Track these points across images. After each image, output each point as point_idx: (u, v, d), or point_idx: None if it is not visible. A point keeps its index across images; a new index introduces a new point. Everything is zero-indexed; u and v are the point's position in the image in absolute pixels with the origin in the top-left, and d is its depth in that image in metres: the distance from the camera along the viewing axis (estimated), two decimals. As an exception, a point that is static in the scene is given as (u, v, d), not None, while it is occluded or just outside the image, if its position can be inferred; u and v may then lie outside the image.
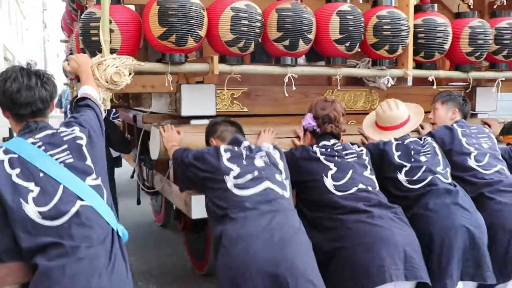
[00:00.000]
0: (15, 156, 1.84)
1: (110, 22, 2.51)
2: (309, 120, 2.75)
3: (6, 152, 1.86)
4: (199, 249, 4.25)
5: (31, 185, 1.81)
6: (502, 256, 2.73)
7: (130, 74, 2.55)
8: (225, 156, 2.35)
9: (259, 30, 2.73)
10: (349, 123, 3.61)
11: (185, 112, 3.11)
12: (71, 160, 1.90)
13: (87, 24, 2.63)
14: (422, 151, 2.80)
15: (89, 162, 1.93)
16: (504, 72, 3.52)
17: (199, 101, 3.12)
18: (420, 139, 2.92)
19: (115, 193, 4.17)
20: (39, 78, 1.99)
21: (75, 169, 1.89)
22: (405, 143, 2.82)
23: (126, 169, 5.49)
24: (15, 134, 2.02)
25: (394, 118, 2.91)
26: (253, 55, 3.57)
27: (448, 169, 2.83)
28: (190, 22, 2.52)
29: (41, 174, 1.83)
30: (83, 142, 1.96)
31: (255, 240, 2.09)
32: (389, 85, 3.20)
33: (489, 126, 3.75)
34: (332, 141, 2.69)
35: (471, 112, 3.96)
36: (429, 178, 2.70)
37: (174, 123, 3.13)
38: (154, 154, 3.08)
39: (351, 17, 2.86)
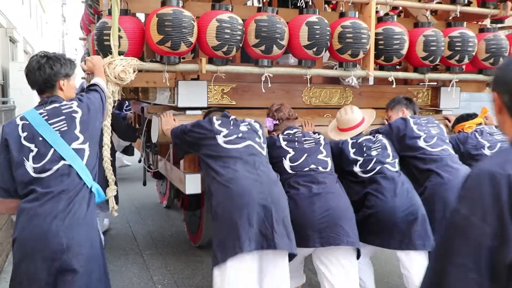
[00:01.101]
0: (27, 122, 2.52)
1: (119, 30, 3.24)
2: (270, 123, 3.58)
3: (22, 119, 2.55)
4: (194, 224, 5.02)
5: (32, 146, 2.45)
6: (438, 224, 3.39)
7: (134, 72, 3.29)
8: (216, 122, 3.17)
9: (240, 37, 3.43)
10: (324, 116, 4.34)
11: (181, 104, 3.85)
12: (65, 128, 2.51)
13: (100, 31, 3.39)
14: (373, 147, 3.50)
15: (77, 131, 2.54)
16: (458, 74, 4.17)
17: (193, 95, 3.86)
18: (373, 137, 3.63)
19: (115, 170, 4.95)
20: (49, 59, 2.67)
21: (66, 136, 2.50)
22: (358, 141, 3.54)
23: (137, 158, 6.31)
24: None
25: (349, 120, 3.67)
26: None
27: (397, 160, 3.52)
28: (182, 31, 3.24)
29: (40, 138, 2.46)
30: (78, 115, 2.57)
31: (248, 179, 2.86)
32: (353, 84, 3.89)
33: (449, 120, 4.42)
34: (295, 130, 3.42)
35: (436, 108, 4.65)
36: (378, 167, 3.39)
37: (172, 113, 3.87)
38: (154, 137, 3.84)
39: (318, 26, 3.55)
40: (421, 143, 3.58)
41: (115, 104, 6.13)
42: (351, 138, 3.57)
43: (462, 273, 1.40)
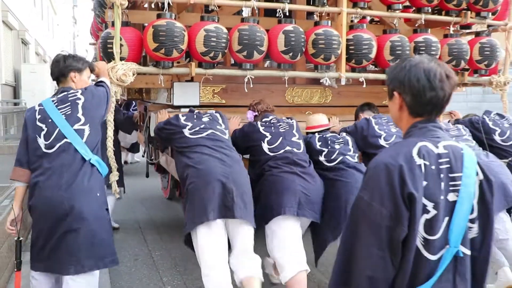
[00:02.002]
0: (42, 108, 3.17)
1: (121, 39, 3.93)
2: (251, 115, 4.28)
3: (39, 105, 3.21)
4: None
5: (43, 126, 3.09)
6: None
7: (133, 75, 3.97)
8: (182, 118, 3.86)
9: (225, 45, 4.09)
10: (306, 113, 4.98)
11: (176, 102, 4.52)
12: (69, 112, 3.12)
13: (105, 40, 4.08)
14: (337, 141, 4.14)
15: (80, 114, 3.14)
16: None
17: (187, 95, 4.53)
18: (338, 134, 4.28)
19: (120, 157, 5.68)
20: (65, 56, 3.34)
21: (69, 118, 3.11)
22: (324, 136, 4.19)
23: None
24: None
25: (315, 119, 4.33)
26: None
27: (357, 154, 4.16)
28: (174, 40, 3.91)
29: (50, 120, 3.09)
30: (81, 101, 3.17)
31: (213, 161, 3.53)
32: (327, 84, 4.54)
33: (454, 115, 5.12)
34: (270, 117, 4.09)
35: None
36: (340, 158, 4.03)
37: (169, 111, 4.55)
38: (152, 132, 4.53)
39: (293, 34, 4.20)
40: (381, 141, 4.20)
41: (124, 104, 6.91)
42: (318, 133, 4.22)
43: (368, 249, 1.72)
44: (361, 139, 4.28)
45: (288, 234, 3.63)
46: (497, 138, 4.55)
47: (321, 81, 4.52)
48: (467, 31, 5.39)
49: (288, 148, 3.90)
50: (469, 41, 4.99)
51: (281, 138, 3.95)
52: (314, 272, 4.30)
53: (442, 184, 1.72)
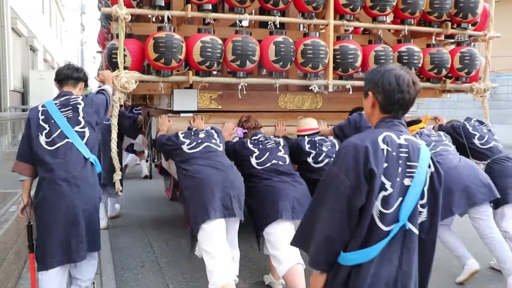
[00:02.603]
0: (45, 109, 3.60)
1: (124, 50, 4.39)
2: (240, 132, 4.76)
3: (42, 106, 3.64)
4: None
5: (46, 126, 3.49)
6: None
7: (136, 82, 4.42)
8: (181, 136, 4.31)
9: (219, 55, 4.54)
10: (297, 118, 5.41)
11: (176, 108, 4.98)
12: (71, 115, 3.55)
13: (110, 51, 4.55)
14: (325, 144, 4.59)
15: (80, 117, 3.57)
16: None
17: (185, 101, 4.99)
18: (326, 137, 4.72)
19: (121, 158, 6.15)
20: (80, 69, 3.86)
21: (71, 121, 3.53)
22: (313, 140, 4.63)
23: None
24: None
25: (306, 123, 4.79)
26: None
27: None
28: (173, 50, 4.37)
29: (52, 121, 3.50)
30: (81, 106, 3.61)
31: (209, 169, 3.98)
32: (315, 91, 4.97)
33: (439, 120, 5.54)
34: (259, 135, 4.55)
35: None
36: (327, 160, 4.47)
37: (169, 116, 5.00)
38: (154, 135, 4.98)
39: (283, 45, 4.64)
40: None
41: (127, 109, 7.39)
42: (308, 136, 4.66)
43: (330, 213, 2.11)
44: (355, 130, 4.66)
45: (285, 234, 4.01)
46: (476, 142, 4.96)
47: (310, 88, 4.95)
48: (451, 40, 5.81)
49: (274, 161, 4.34)
50: (450, 50, 5.41)
51: (268, 153, 4.39)
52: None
53: (400, 168, 2.12)
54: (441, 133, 4.98)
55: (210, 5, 4.58)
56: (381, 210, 2.11)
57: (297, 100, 5.45)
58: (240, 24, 4.81)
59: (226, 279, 3.72)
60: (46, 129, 3.52)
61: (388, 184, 2.10)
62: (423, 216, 2.22)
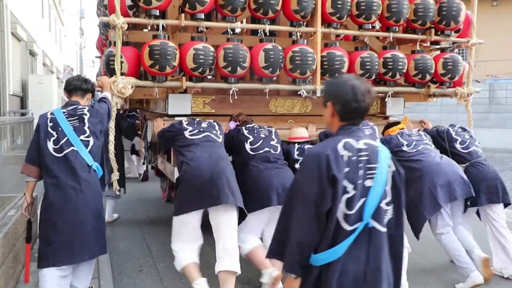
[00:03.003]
0: (53, 117, 3.92)
1: (121, 57, 4.69)
2: (233, 125, 5.04)
3: (51, 114, 3.95)
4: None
5: (54, 133, 3.82)
6: None
7: (132, 88, 4.72)
8: (184, 123, 4.61)
9: (212, 61, 4.83)
10: (288, 122, 5.71)
11: (171, 111, 5.27)
12: (77, 124, 3.89)
13: (108, 58, 4.85)
14: None
15: (86, 127, 3.93)
16: (392, 87, 5.53)
17: (180, 105, 5.29)
18: (313, 145, 5.00)
19: (123, 160, 6.50)
20: (83, 79, 4.22)
21: (77, 130, 3.86)
22: (302, 147, 4.93)
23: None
24: None
25: (297, 132, 5.09)
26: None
27: None
28: (167, 57, 4.66)
29: (60, 129, 3.83)
30: (86, 116, 3.95)
31: (203, 158, 4.26)
32: (303, 96, 5.26)
33: (424, 123, 5.86)
34: (253, 124, 4.86)
35: (385, 115, 6.01)
36: None
37: (164, 119, 5.29)
38: (149, 138, 5.29)
39: (272, 52, 4.94)
40: None
41: (125, 112, 7.70)
42: (298, 144, 4.96)
43: (300, 220, 2.32)
44: None
45: (260, 220, 4.50)
46: (458, 146, 5.26)
47: (298, 93, 5.25)
48: (437, 47, 6.11)
49: (267, 149, 4.65)
50: (434, 56, 5.72)
51: (261, 140, 4.70)
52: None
53: (361, 171, 2.32)
54: (422, 133, 5.27)
55: (203, 14, 4.87)
56: (345, 212, 2.30)
57: (287, 104, 5.75)
58: (231, 32, 5.11)
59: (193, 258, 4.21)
60: (54, 136, 3.84)
61: (350, 187, 2.30)
62: (389, 213, 2.43)
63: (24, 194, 3.98)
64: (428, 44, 6.16)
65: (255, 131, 4.80)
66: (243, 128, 4.84)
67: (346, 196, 2.30)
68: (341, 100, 2.41)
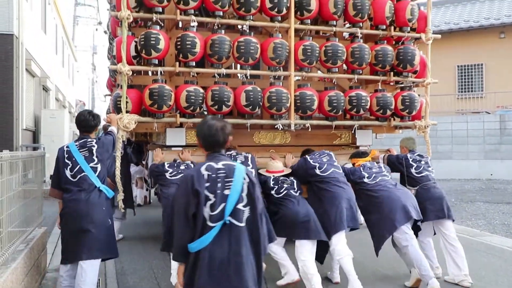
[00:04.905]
0: (68, 149, 5.26)
1: (126, 98, 6.07)
2: None
3: (66, 147, 5.29)
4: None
5: (69, 162, 5.14)
6: (332, 220, 5.97)
7: (135, 123, 6.07)
8: (166, 165, 6.00)
9: (201, 101, 6.16)
10: (269, 151, 7.01)
11: (168, 143, 6.61)
12: (87, 154, 5.16)
13: (115, 98, 6.25)
14: (286, 182, 6.10)
15: (94, 157, 5.23)
16: (358, 121, 6.83)
17: (176, 137, 6.62)
18: (288, 177, 6.23)
19: (130, 181, 7.86)
20: (91, 115, 5.53)
21: (87, 159, 5.14)
22: (276, 178, 6.17)
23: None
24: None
25: (274, 166, 6.35)
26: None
27: (300, 191, 6.08)
28: (164, 98, 6.01)
29: (73, 159, 5.14)
30: (94, 148, 5.21)
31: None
32: (280, 129, 6.57)
33: (390, 151, 7.11)
34: (232, 151, 6.21)
35: (355, 145, 7.29)
36: (285, 192, 5.95)
37: (163, 149, 6.63)
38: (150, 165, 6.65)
39: (252, 93, 6.26)
40: (317, 171, 6.14)
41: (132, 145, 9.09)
42: (273, 176, 6.23)
43: (176, 222, 3.41)
44: (304, 172, 6.26)
45: None
46: (413, 171, 6.51)
47: (275, 126, 6.57)
48: (401, 85, 7.43)
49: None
50: (394, 94, 7.03)
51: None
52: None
53: (220, 184, 3.40)
54: (382, 165, 6.50)
55: (194, 62, 6.24)
56: (210, 213, 3.36)
57: (269, 136, 7.06)
58: (218, 76, 6.48)
59: None
60: (69, 164, 5.18)
61: (211, 196, 3.38)
62: (246, 213, 3.45)
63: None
64: (394, 83, 7.46)
65: (232, 157, 6.05)
66: None
67: (209, 202, 3.38)
68: (201, 136, 3.60)
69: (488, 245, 8.48)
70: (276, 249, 5.93)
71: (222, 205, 3.39)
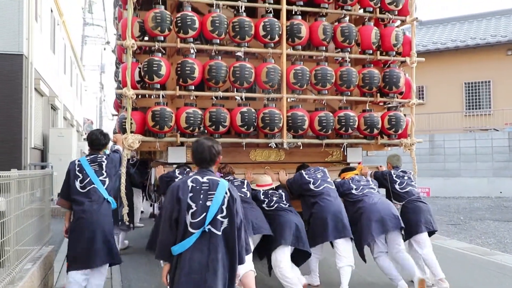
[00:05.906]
0: (80, 163, 6.00)
1: (131, 119, 6.80)
2: (218, 175, 6.85)
3: (78, 161, 6.04)
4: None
5: (80, 175, 5.85)
6: (319, 231, 6.64)
7: (139, 142, 6.80)
8: (177, 171, 6.66)
9: (200, 122, 6.87)
10: (265, 168, 7.71)
11: (170, 160, 7.30)
12: (97, 169, 5.90)
13: (121, 120, 6.99)
14: (274, 194, 6.76)
15: (103, 171, 5.98)
16: (347, 140, 7.53)
17: (177, 155, 7.32)
18: (276, 190, 6.88)
19: (132, 196, 8.59)
20: (102, 134, 6.28)
21: (97, 173, 5.87)
22: (266, 191, 6.82)
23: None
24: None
25: (263, 180, 7.00)
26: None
27: (288, 202, 6.70)
28: (165, 119, 6.72)
29: (84, 172, 5.88)
30: (104, 163, 5.95)
31: None
32: (273, 147, 7.27)
33: (379, 168, 7.78)
34: (230, 176, 6.82)
35: (346, 162, 7.98)
36: (276, 205, 6.58)
37: (165, 166, 7.34)
38: (153, 180, 7.37)
39: (247, 114, 6.98)
40: (311, 186, 6.81)
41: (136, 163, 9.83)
42: (263, 190, 6.89)
43: (163, 225, 4.08)
44: (298, 186, 6.94)
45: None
46: (397, 186, 7.18)
47: (269, 145, 7.27)
48: (388, 105, 8.12)
49: (241, 195, 6.49)
50: (381, 115, 7.72)
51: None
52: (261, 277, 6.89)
53: (202, 195, 4.02)
54: (369, 178, 7.19)
55: (194, 86, 6.97)
56: (191, 220, 3.96)
57: (265, 154, 7.75)
58: (215, 99, 7.20)
59: None
60: (80, 177, 5.86)
61: (193, 205, 3.99)
62: (225, 224, 4.04)
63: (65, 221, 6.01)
64: (382, 104, 8.15)
65: (230, 182, 6.61)
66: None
67: (191, 210, 3.98)
68: (192, 153, 4.30)
69: (499, 264, 8.68)
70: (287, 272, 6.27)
71: (203, 214, 4.00)
